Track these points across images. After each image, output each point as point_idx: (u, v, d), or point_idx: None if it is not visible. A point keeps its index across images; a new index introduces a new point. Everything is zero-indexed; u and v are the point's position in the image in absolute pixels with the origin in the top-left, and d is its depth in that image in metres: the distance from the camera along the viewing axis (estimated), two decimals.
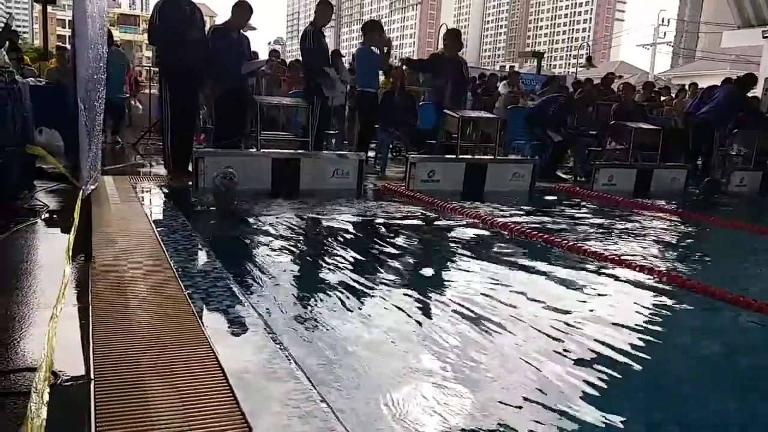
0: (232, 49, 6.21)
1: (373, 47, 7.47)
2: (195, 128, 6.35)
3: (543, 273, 3.81)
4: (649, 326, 2.99)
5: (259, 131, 6.14)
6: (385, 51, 7.61)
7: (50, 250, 3.31)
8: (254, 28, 13.17)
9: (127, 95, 10.11)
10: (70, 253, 1.00)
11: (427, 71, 8.06)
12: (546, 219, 5.90)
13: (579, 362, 2.48)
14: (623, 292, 3.60)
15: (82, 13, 1.03)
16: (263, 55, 11.33)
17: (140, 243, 3.46)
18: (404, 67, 8.87)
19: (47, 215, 3.98)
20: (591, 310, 3.18)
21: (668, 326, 3.10)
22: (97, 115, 1.23)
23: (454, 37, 7.72)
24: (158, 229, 3.86)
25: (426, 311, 2.99)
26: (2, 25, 7.29)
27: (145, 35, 7.64)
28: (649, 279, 3.80)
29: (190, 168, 5.98)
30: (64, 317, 2.28)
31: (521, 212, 6.10)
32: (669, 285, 3.70)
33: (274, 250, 3.90)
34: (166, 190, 5.72)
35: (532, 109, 9.22)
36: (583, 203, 6.92)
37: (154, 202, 5.11)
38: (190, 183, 5.84)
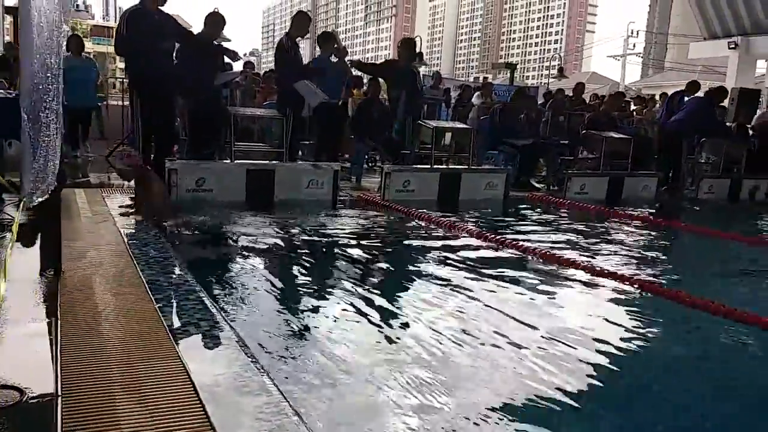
0: (205, 59, 6.17)
1: (331, 58, 7.48)
2: (168, 140, 6.25)
3: (516, 282, 3.85)
4: (625, 335, 3.03)
5: (232, 142, 6.11)
6: (343, 59, 7.65)
7: (19, 264, 3.24)
8: (228, 40, 13.10)
9: (99, 104, 9.93)
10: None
11: (377, 76, 8.03)
12: (518, 227, 5.98)
13: (556, 373, 2.50)
14: (597, 302, 3.65)
15: (27, 23, 1.02)
16: (237, 67, 11.28)
17: (111, 256, 3.41)
18: (353, 69, 8.80)
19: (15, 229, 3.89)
20: (567, 321, 3.21)
21: (645, 334, 3.14)
22: (48, 127, 1.21)
23: (407, 46, 7.74)
24: (129, 242, 3.81)
25: (398, 323, 2.99)
26: None
27: None
28: (620, 286, 3.86)
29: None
30: (32, 333, 2.25)
31: (494, 221, 6.16)
32: (641, 291, 3.76)
33: (248, 263, 3.88)
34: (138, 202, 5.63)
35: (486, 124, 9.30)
36: (555, 212, 7.01)
37: (125, 213, 5.03)
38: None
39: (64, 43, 2.40)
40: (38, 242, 3.50)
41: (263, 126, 7.73)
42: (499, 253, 4.59)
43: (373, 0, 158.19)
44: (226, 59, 6.76)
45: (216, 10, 6.50)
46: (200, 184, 5.83)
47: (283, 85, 6.75)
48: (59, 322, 2.33)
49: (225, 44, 6.83)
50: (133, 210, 5.18)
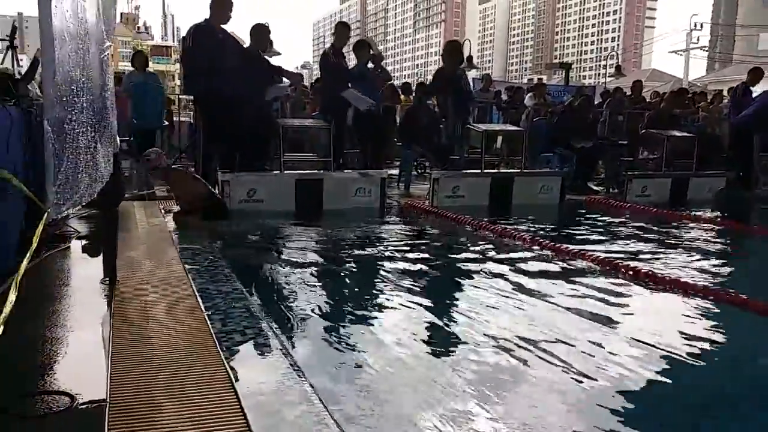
0: (254, 73, 6.29)
1: (368, 64, 7.52)
2: (230, 153, 6.36)
3: (578, 289, 3.69)
4: (704, 347, 2.84)
5: (282, 153, 6.21)
6: (379, 65, 7.69)
7: (79, 275, 3.38)
8: (279, 53, 13.37)
9: (165, 124, 10.00)
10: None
11: (440, 90, 7.99)
12: (576, 232, 5.79)
13: (624, 382, 2.37)
14: (669, 312, 3.46)
15: (47, 35, 1.05)
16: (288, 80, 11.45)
17: (163, 266, 3.51)
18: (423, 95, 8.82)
19: (77, 241, 4.07)
20: (633, 329, 3.06)
21: (724, 345, 2.94)
22: (76, 139, 1.25)
23: (450, 51, 7.67)
24: (182, 252, 3.92)
25: (449, 336, 2.90)
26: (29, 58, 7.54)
27: (177, 65, 7.73)
28: (693, 296, 3.63)
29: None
30: (85, 339, 2.33)
31: (549, 226, 5.99)
32: (715, 301, 3.52)
33: (296, 272, 3.88)
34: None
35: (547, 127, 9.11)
36: (615, 216, 6.74)
37: (180, 225, 5.18)
38: None
39: (110, 57, 2.49)
40: (95, 252, 3.63)
41: (312, 136, 7.82)
42: (556, 261, 4.43)
43: (422, 6, 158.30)
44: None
45: (266, 24, 6.64)
46: (251, 195, 5.95)
47: (325, 94, 6.84)
48: (111, 329, 2.41)
49: (275, 58, 6.96)
50: (178, 209, 5.35)
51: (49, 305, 2.74)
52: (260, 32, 6.36)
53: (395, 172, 8.46)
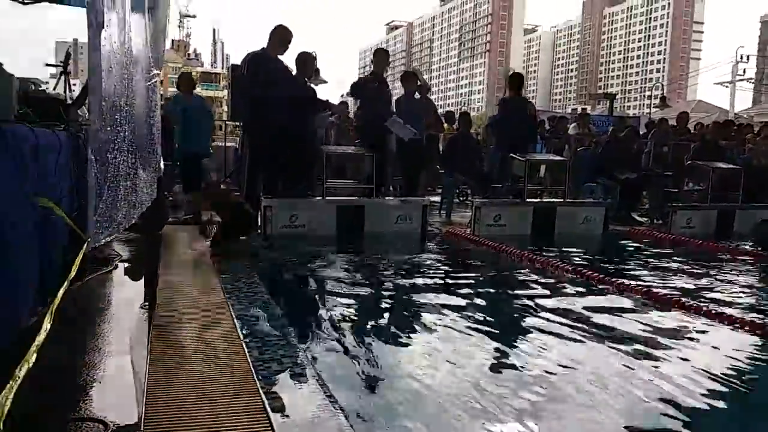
0: (298, 100, 6.37)
1: (415, 95, 7.55)
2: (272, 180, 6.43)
3: (622, 322, 3.55)
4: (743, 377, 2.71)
5: (325, 179, 6.24)
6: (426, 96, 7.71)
7: (120, 299, 3.42)
8: (325, 82, 13.57)
9: (211, 152, 9.86)
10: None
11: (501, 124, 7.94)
12: (619, 264, 5.61)
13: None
14: (715, 345, 3.30)
15: (96, 63, 1.05)
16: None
17: (203, 291, 3.53)
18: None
19: (120, 264, 4.14)
20: (686, 364, 2.91)
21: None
22: (118, 168, 1.25)
23: (513, 82, 7.67)
24: (223, 277, 3.94)
25: (488, 369, 2.81)
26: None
27: (225, 92, 7.88)
28: (739, 330, 3.48)
29: None
30: (122, 365, 2.33)
31: (592, 258, 5.82)
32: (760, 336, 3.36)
33: (335, 300, 3.84)
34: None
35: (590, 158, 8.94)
36: (660, 247, 6.52)
37: (222, 250, 5.22)
38: (259, 231, 5.97)
39: (157, 85, 2.53)
40: (137, 276, 3.67)
41: (354, 163, 7.86)
42: (599, 293, 4.29)
43: (467, 36, 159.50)
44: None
45: (312, 53, 6.74)
46: (293, 221, 5.98)
47: (366, 120, 6.87)
48: (149, 355, 2.41)
49: (321, 86, 7.06)
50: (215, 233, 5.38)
51: (88, 329, 2.77)
52: (306, 61, 6.45)
53: (437, 199, 8.41)
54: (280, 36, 6.07)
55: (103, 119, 1.16)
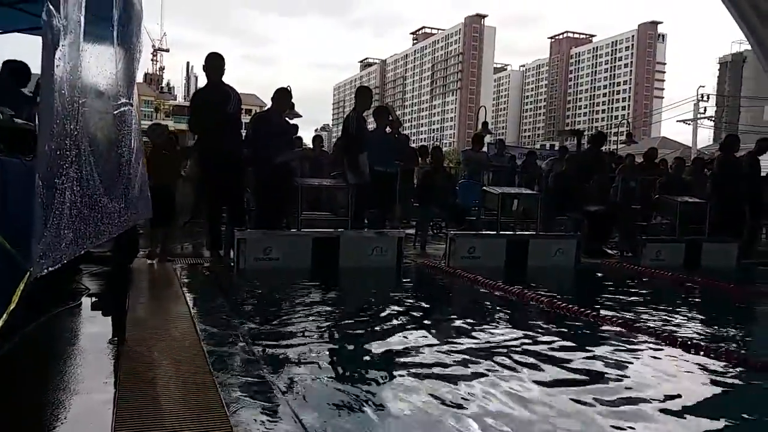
0: (273, 135, 6.40)
1: (386, 129, 7.70)
2: (237, 212, 6.41)
3: (591, 353, 3.56)
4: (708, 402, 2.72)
5: (300, 212, 6.21)
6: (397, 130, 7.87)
7: (87, 334, 3.31)
8: (300, 116, 13.68)
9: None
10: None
11: None
12: (591, 295, 5.65)
13: None
14: (688, 375, 3.33)
15: (47, 89, 1.03)
16: (307, 140, 11.68)
17: (174, 325, 3.44)
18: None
19: (88, 298, 4.02)
20: (664, 397, 2.92)
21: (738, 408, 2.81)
22: (64, 194, 1.22)
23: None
24: (194, 311, 3.85)
25: (467, 405, 2.77)
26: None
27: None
28: (710, 361, 3.51)
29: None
30: (91, 402, 2.24)
31: (564, 288, 5.87)
32: (731, 366, 3.40)
33: (309, 337, 3.75)
34: (207, 272, 5.77)
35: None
36: (630, 279, 6.62)
37: (193, 283, 5.13)
38: (231, 264, 5.89)
39: (132, 114, 2.50)
40: (105, 310, 3.56)
41: (329, 195, 7.86)
42: (570, 324, 4.31)
43: (439, 74, 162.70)
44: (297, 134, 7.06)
45: (288, 87, 6.82)
46: (267, 253, 5.91)
47: (344, 155, 6.92)
48: (117, 391, 2.32)
49: (296, 120, 7.12)
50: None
51: (55, 365, 2.67)
52: (282, 96, 6.57)
53: (412, 231, 8.44)
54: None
55: (54, 144, 1.13)
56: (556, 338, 3.87)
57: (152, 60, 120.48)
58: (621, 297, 5.67)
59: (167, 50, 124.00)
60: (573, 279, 6.71)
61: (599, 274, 6.97)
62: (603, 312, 4.57)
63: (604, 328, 4.19)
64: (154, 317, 3.62)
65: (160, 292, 4.59)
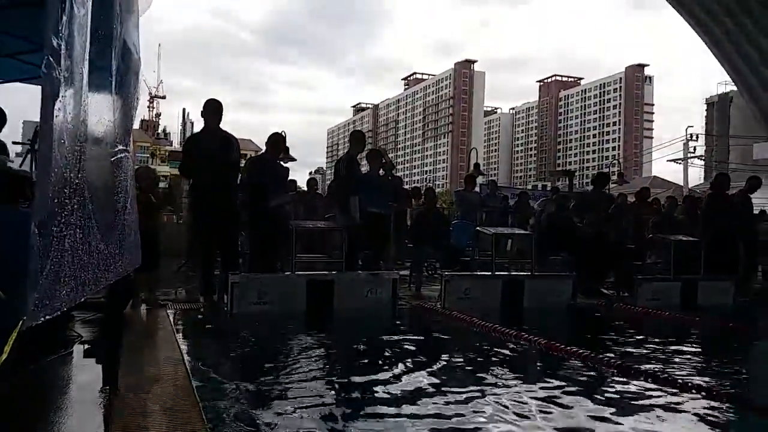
0: (268, 179, 6.46)
1: (380, 172, 7.82)
2: (231, 256, 6.39)
3: (591, 394, 3.52)
4: None
5: (294, 254, 6.19)
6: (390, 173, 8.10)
7: (79, 383, 3.25)
8: (294, 159, 13.80)
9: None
10: None
11: None
12: (589, 336, 5.62)
13: None
14: (687, 417, 3.28)
15: (46, 138, 1.04)
16: (302, 182, 11.78)
17: (167, 373, 3.38)
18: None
19: (80, 346, 3.96)
20: None
21: None
22: (62, 242, 1.21)
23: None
24: (187, 358, 3.79)
25: None
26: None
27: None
28: (710, 402, 3.47)
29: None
30: None
31: (562, 330, 5.83)
32: (732, 409, 3.36)
33: (306, 385, 3.67)
34: (200, 317, 5.71)
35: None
36: (626, 319, 6.59)
37: (186, 329, 5.07)
38: (225, 308, 5.83)
39: (128, 160, 2.52)
40: (98, 358, 3.50)
41: (324, 238, 7.87)
42: (569, 365, 4.25)
43: (430, 118, 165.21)
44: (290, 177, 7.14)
45: (282, 132, 6.93)
46: (261, 297, 5.86)
47: (336, 198, 7.00)
48: None
49: (290, 163, 7.22)
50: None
51: (45, 415, 2.61)
52: (276, 141, 6.71)
53: (407, 272, 8.41)
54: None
55: (52, 192, 1.13)
56: (554, 381, 3.82)
57: (149, 107, 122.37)
58: (618, 337, 5.64)
59: (164, 97, 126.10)
60: (570, 319, 6.66)
61: (596, 314, 6.93)
62: (601, 353, 4.52)
63: (602, 369, 4.14)
64: (146, 365, 3.55)
65: (153, 339, 4.52)
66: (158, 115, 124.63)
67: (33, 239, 1.04)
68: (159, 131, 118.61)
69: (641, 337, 5.70)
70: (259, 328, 5.31)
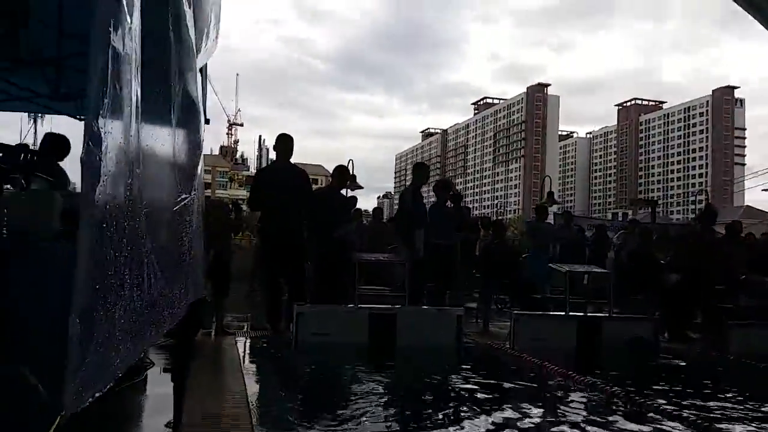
0: (332, 210, 6.52)
1: (447, 203, 7.84)
2: (298, 287, 6.43)
3: None
4: None
5: (357, 287, 6.15)
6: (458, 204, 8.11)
7: (146, 414, 3.28)
8: (361, 187, 13.95)
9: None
10: None
11: None
12: (677, 389, 5.17)
13: None
14: None
15: (87, 182, 0.97)
16: (369, 205, 11.89)
17: (228, 407, 3.37)
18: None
19: (149, 373, 4.02)
20: None
21: None
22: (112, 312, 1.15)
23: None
24: (251, 392, 3.78)
25: None
26: None
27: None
28: None
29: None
30: None
31: (645, 379, 5.42)
32: None
33: (365, 421, 3.60)
34: (266, 346, 5.74)
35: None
36: (716, 369, 6.05)
37: (251, 359, 5.09)
38: (291, 338, 5.84)
39: (193, 205, 2.54)
40: (166, 387, 3.53)
41: (388, 270, 7.80)
42: (650, 420, 3.92)
43: (502, 143, 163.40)
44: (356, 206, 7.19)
45: (349, 162, 7.01)
46: (324, 328, 5.83)
47: (400, 230, 6.95)
48: None
49: (357, 191, 7.27)
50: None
51: None
52: (341, 173, 6.91)
53: (474, 305, 8.19)
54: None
55: (96, 284, 1.08)
56: None
57: (227, 134, 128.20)
58: (710, 392, 5.15)
59: (241, 125, 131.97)
60: (652, 368, 6.18)
61: (681, 363, 6.42)
62: (687, 413, 4.14)
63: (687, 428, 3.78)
64: (210, 396, 3.56)
65: (220, 369, 4.56)
66: (236, 141, 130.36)
67: (73, 329, 0.98)
68: (237, 157, 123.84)
69: (730, 391, 5.21)
70: (322, 362, 5.27)
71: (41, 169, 3.08)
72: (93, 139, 1.02)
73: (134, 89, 1.41)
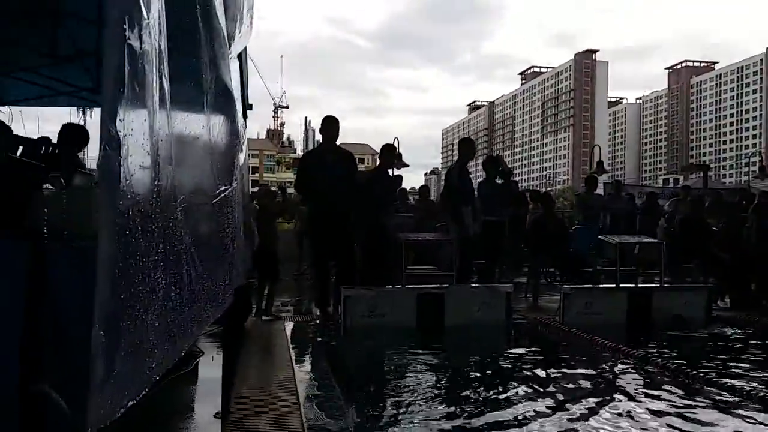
0: (380, 191, 6.50)
1: (497, 180, 7.80)
2: (346, 270, 6.45)
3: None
4: None
5: (404, 267, 6.13)
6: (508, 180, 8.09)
7: (194, 406, 3.32)
8: (407, 165, 13.85)
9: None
10: None
11: None
12: (730, 360, 4.99)
13: None
14: None
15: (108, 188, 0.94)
16: (416, 182, 11.92)
17: (276, 395, 3.41)
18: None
19: (202, 361, 4.10)
20: None
21: None
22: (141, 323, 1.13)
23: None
24: (298, 376, 3.83)
25: None
26: None
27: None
28: None
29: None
30: None
31: (698, 350, 5.24)
32: None
33: (414, 407, 3.59)
34: (314, 331, 5.80)
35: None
36: None
37: (300, 344, 5.15)
38: (339, 321, 5.89)
39: (233, 198, 2.55)
40: (215, 377, 3.59)
41: (435, 249, 7.75)
42: (709, 399, 3.79)
43: (549, 112, 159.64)
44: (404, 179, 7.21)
45: (395, 140, 7.01)
46: (373, 311, 5.85)
47: (448, 208, 6.88)
48: None
49: (403, 169, 7.28)
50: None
51: None
52: (388, 152, 6.89)
53: (524, 280, 8.09)
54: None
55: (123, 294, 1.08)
56: (685, 411, 3.42)
57: (273, 117, 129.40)
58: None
59: (287, 107, 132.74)
60: (705, 337, 5.98)
61: (736, 331, 6.18)
62: (738, 383, 3.98)
63: (741, 403, 3.64)
64: (258, 384, 3.62)
65: (269, 354, 4.63)
66: (282, 124, 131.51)
67: (97, 343, 0.97)
68: (283, 139, 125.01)
69: None
70: (370, 345, 5.30)
71: (63, 162, 3.09)
72: (110, 144, 1.01)
73: (159, 85, 1.40)
